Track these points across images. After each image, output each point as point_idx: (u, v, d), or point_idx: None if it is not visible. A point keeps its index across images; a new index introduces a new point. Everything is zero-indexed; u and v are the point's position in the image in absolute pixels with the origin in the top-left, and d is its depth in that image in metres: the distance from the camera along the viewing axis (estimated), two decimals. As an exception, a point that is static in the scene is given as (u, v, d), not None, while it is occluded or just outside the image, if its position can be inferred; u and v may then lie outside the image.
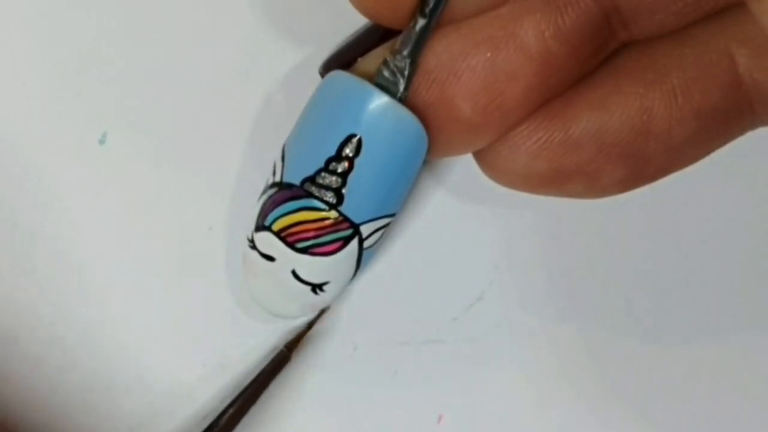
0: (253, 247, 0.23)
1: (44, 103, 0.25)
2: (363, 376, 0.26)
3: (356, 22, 0.25)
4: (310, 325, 0.25)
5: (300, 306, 0.24)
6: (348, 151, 0.21)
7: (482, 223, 0.26)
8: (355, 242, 0.23)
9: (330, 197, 0.22)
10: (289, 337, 0.25)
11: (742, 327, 0.26)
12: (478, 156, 0.22)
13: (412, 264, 0.26)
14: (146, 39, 0.25)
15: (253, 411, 0.25)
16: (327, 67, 0.24)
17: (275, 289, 0.23)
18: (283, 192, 0.22)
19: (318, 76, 0.25)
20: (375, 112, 0.21)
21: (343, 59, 0.24)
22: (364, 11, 0.21)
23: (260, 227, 0.23)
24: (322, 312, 0.25)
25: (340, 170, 0.22)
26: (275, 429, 0.26)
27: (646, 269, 0.26)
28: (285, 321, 0.25)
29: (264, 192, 0.23)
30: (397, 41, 0.21)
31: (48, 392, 0.25)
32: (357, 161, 0.21)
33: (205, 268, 0.26)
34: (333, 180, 0.22)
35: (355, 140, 0.21)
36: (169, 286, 0.25)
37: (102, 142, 0.25)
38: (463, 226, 0.26)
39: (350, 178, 0.22)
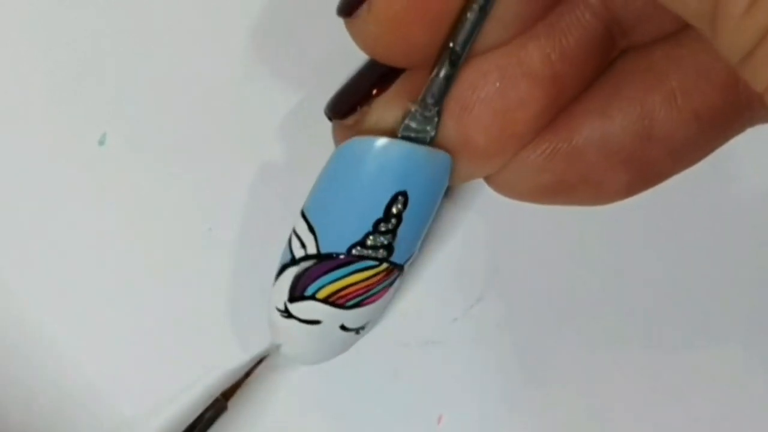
0: (290, 316, 0.23)
1: (44, 103, 0.25)
2: (363, 376, 0.26)
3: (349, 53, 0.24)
4: (248, 373, 0.25)
5: (341, 349, 0.24)
6: (396, 209, 0.21)
7: (482, 224, 0.26)
8: (398, 280, 0.23)
9: (381, 254, 0.22)
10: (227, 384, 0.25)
11: (743, 327, 0.26)
12: None
13: (412, 265, 0.26)
14: (146, 40, 0.25)
15: (242, 409, 0.25)
16: (333, 108, 0.24)
17: (318, 345, 0.23)
18: (324, 263, 0.22)
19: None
20: (417, 164, 0.21)
21: (349, 99, 0.24)
22: (377, 57, 0.21)
23: (298, 298, 0.23)
24: (261, 360, 0.25)
25: (390, 228, 0.21)
26: (274, 428, 0.26)
27: (646, 270, 0.26)
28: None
29: (292, 264, 0.22)
30: (423, 91, 0.20)
31: (48, 392, 0.25)
32: (405, 214, 0.21)
33: (206, 267, 0.26)
34: (383, 239, 0.21)
35: (402, 197, 0.21)
36: (169, 287, 0.25)
37: (101, 143, 0.25)
38: (463, 227, 0.26)
39: (399, 230, 0.21)
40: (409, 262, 0.23)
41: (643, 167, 0.21)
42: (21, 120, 0.25)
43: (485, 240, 0.26)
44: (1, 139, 0.25)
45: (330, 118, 0.23)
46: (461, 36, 0.20)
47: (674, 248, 0.26)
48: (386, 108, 0.22)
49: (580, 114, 0.21)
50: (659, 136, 0.21)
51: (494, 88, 0.20)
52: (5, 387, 0.25)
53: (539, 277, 0.26)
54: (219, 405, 0.25)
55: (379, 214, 0.21)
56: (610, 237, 0.26)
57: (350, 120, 0.22)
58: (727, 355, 0.26)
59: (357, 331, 0.23)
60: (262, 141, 0.26)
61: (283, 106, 0.25)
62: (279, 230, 0.25)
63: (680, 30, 0.21)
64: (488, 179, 0.22)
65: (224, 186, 0.26)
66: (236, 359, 0.25)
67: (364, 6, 0.20)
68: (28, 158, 0.25)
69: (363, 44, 0.20)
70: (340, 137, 0.22)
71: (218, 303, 0.25)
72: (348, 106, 0.22)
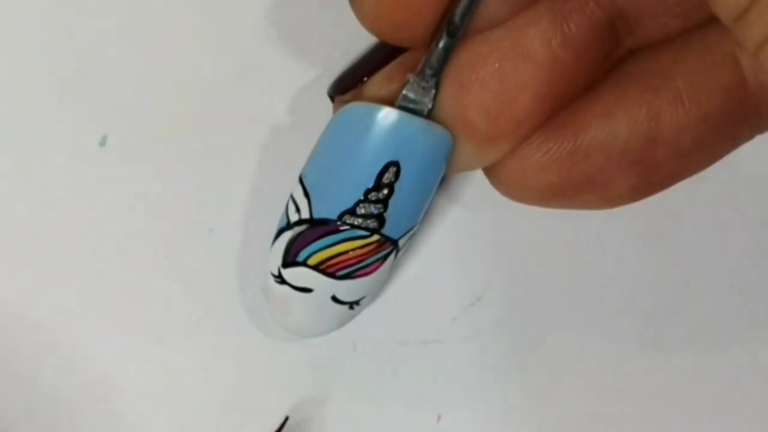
0: (283, 282, 0.23)
1: (45, 104, 0.25)
2: (362, 375, 0.26)
3: (354, 37, 0.24)
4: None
5: (335, 324, 0.24)
6: (387, 178, 0.21)
7: (481, 223, 0.26)
8: (392, 256, 0.23)
9: (372, 224, 0.22)
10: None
11: (743, 329, 0.26)
12: (489, 172, 0.22)
13: (411, 264, 0.26)
14: (147, 41, 0.25)
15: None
16: (336, 89, 0.24)
17: (311, 316, 0.23)
18: (316, 228, 0.22)
19: (317, 84, 0.25)
20: (411, 135, 0.21)
21: (352, 80, 0.24)
22: (378, 33, 0.21)
23: (291, 263, 0.23)
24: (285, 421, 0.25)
25: (381, 197, 0.21)
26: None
27: (645, 270, 0.26)
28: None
29: (287, 228, 0.22)
30: (422, 62, 0.21)
31: (48, 392, 0.25)
32: (396, 185, 0.21)
33: (206, 269, 0.26)
34: (374, 208, 0.21)
35: (394, 167, 0.21)
36: (169, 288, 0.25)
37: (102, 144, 0.25)
38: (462, 226, 0.26)
39: (390, 201, 0.21)
40: (404, 239, 0.23)
41: (650, 170, 0.21)
42: (21, 120, 0.25)
43: (485, 239, 0.26)
44: (2, 139, 0.25)
45: (332, 99, 0.23)
46: (459, 7, 0.20)
47: (674, 248, 0.26)
48: (385, 81, 0.22)
49: (586, 114, 0.21)
50: (665, 138, 0.21)
51: (493, 69, 0.20)
52: (5, 387, 0.25)
53: (539, 277, 0.26)
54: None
55: (371, 182, 0.21)
56: (609, 237, 0.26)
57: (349, 95, 0.22)
58: (727, 355, 0.26)
59: (351, 306, 0.23)
60: (262, 141, 0.26)
61: (284, 106, 0.25)
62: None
63: (686, 31, 0.21)
64: (493, 179, 0.22)
65: (225, 186, 0.26)
66: (235, 359, 0.26)
67: None
68: (29, 159, 0.25)
69: (365, 20, 0.20)
70: None
71: (219, 303, 0.26)
72: (349, 84, 0.23)
